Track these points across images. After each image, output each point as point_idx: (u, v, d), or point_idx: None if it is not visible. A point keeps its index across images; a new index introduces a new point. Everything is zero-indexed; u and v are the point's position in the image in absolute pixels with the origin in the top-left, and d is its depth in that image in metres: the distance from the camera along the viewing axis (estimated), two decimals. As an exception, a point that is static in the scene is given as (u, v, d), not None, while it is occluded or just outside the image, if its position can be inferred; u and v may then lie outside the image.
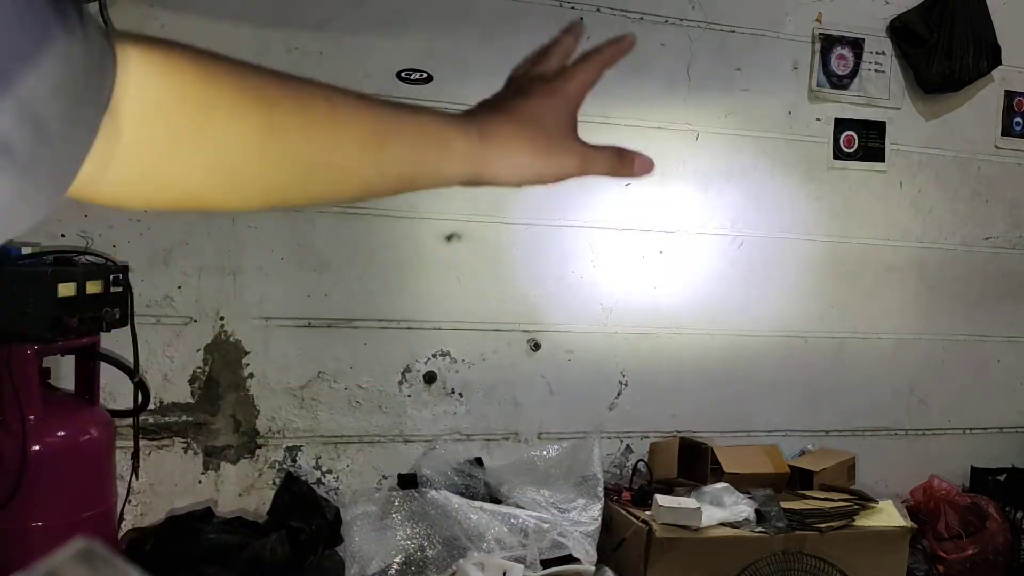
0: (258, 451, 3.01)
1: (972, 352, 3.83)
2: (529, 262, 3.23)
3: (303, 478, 3.01)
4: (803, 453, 3.59)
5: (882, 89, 3.59)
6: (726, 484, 3.08)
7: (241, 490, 3.00)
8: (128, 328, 2.63)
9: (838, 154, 3.57)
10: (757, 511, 2.99)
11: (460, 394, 3.20)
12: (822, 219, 3.57)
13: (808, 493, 3.28)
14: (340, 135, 0.52)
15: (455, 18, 3.08)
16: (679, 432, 3.43)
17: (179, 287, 2.89)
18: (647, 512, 2.97)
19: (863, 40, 3.55)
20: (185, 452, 2.94)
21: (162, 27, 2.80)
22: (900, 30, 3.56)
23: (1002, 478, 3.73)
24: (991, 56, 3.59)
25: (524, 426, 3.27)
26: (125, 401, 2.78)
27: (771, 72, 3.45)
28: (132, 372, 2.58)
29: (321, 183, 0.53)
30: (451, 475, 3.07)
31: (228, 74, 0.48)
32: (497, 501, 3.03)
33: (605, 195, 3.28)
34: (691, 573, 2.85)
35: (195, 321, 2.91)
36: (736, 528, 2.93)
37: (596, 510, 3.01)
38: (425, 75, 3.06)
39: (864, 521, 3.10)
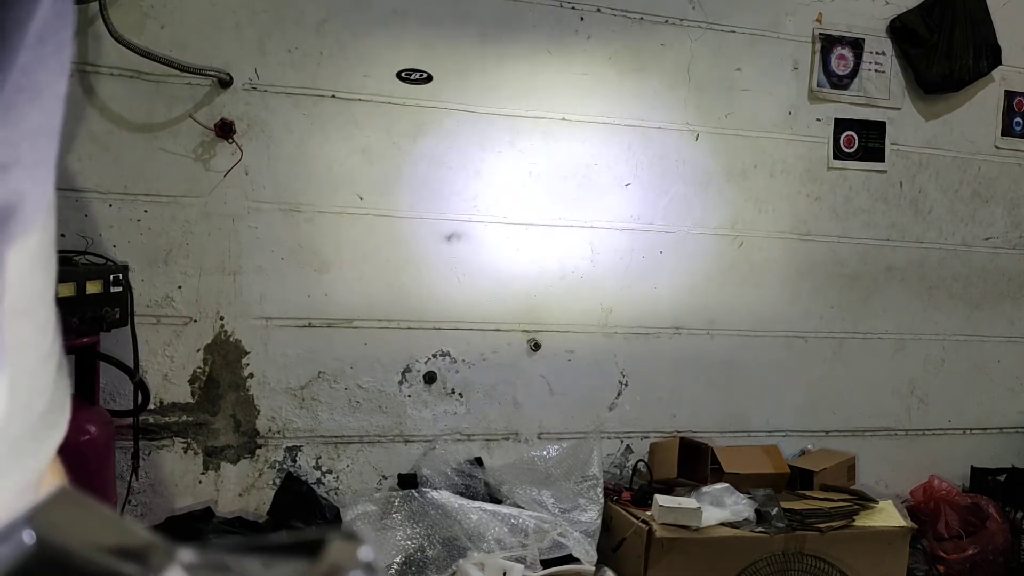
0: (258, 451, 3.01)
1: (972, 352, 3.83)
2: (529, 262, 3.23)
3: (303, 478, 3.01)
4: (803, 453, 3.59)
5: (882, 89, 3.59)
6: (726, 484, 3.08)
7: (241, 490, 3.00)
8: (128, 328, 2.64)
9: (838, 154, 3.57)
10: (757, 511, 2.99)
11: (460, 394, 3.20)
12: (822, 219, 3.57)
13: (808, 493, 3.28)
14: None
15: (455, 18, 3.08)
16: (679, 432, 3.43)
17: (179, 287, 2.89)
18: (647, 512, 2.97)
19: (863, 40, 3.55)
20: (185, 452, 2.94)
21: (162, 28, 2.80)
22: (900, 30, 3.56)
23: (1002, 478, 3.72)
24: (991, 56, 3.59)
25: (524, 426, 3.27)
26: (125, 401, 2.78)
27: (771, 72, 3.45)
28: (132, 372, 2.59)
29: None
30: (451, 475, 3.07)
31: None
32: (497, 501, 3.03)
33: (605, 195, 3.28)
34: (691, 573, 2.85)
35: (195, 321, 2.91)
36: (736, 528, 2.93)
37: (596, 510, 3.01)
38: (425, 75, 3.06)
39: (864, 521, 3.09)
